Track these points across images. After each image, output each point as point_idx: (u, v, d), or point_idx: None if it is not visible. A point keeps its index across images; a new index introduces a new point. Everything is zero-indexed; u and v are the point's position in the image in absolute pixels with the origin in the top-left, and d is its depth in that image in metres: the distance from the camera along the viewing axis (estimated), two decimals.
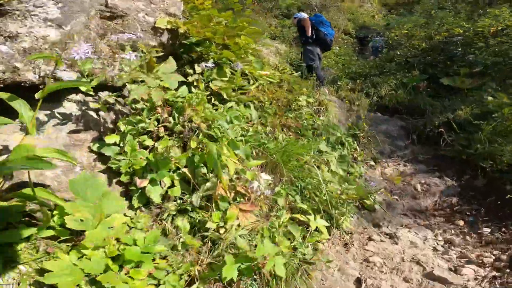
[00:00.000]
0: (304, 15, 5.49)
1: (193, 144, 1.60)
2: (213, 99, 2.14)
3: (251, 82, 2.66)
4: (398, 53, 6.85)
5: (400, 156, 4.00)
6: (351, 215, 2.37)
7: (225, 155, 1.52)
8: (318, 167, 2.37)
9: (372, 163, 3.78)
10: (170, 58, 1.78)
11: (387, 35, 7.90)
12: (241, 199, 1.63)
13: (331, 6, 17.73)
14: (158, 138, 1.64)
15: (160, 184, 1.53)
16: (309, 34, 5.43)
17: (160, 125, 1.67)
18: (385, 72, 6.00)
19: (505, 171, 3.01)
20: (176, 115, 1.72)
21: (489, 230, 2.61)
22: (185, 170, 1.57)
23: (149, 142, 1.60)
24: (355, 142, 3.59)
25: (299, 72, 4.41)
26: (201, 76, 2.14)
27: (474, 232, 2.62)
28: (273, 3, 21.90)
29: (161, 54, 1.79)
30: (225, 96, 2.18)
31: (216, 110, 2.01)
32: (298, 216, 1.86)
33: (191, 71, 2.14)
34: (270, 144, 2.14)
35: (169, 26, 2.01)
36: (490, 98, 3.94)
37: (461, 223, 2.80)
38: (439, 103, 4.71)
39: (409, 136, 4.32)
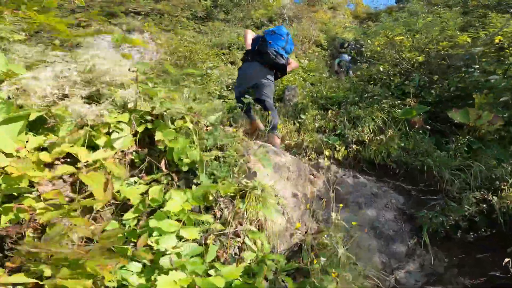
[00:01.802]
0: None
1: None
2: None
3: None
4: (381, 69, 4.98)
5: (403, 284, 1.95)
6: None
7: None
8: None
9: None
10: None
11: (366, 44, 6.03)
12: None
13: (304, 17, 16.28)
14: None
15: None
16: (248, 47, 3.42)
17: None
18: (366, 97, 4.04)
19: None
20: None
21: None
22: None
23: None
24: None
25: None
26: None
27: None
28: (244, 12, 20.33)
29: None
30: None
31: None
32: None
33: None
34: None
35: None
36: None
37: None
38: (457, 159, 2.77)
39: (414, 231, 2.32)
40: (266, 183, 2.06)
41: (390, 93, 4.11)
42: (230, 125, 4.27)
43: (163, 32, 17.67)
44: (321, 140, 3.26)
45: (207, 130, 2.09)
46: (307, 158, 3.17)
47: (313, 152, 3.19)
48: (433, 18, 5.52)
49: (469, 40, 3.92)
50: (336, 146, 3.17)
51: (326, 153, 3.17)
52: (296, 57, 10.47)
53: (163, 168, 1.64)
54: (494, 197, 2.30)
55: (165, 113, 1.64)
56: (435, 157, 2.80)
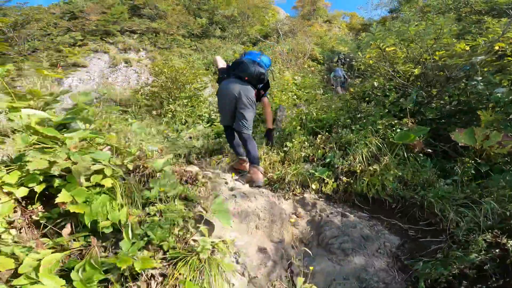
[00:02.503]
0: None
1: None
2: None
3: None
4: (375, 84, 4.64)
5: None
6: None
7: None
8: None
9: None
10: None
11: (356, 58, 5.70)
12: None
13: (299, 31, 16.21)
14: None
15: None
16: (219, 66, 3.21)
17: None
18: (359, 118, 3.69)
19: None
20: None
21: None
22: None
23: None
24: None
25: None
26: None
27: None
28: (240, 29, 20.44)
29: None
30: None
31: None
32: None
33: None
34: None
35: None
36: None
37: None
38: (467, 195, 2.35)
39: (409, 282, 1.90)
40: (226, 237, 1.70)
41: (386, 110, 3.75)
42: (211, 156, 3.96)
43: (159, 50, 17.72)
44: (307, 171, 2.89)
45: (152, 178, 1.75)
46: (291, 193, 2.80)
47: (298, 187, 2.81)
48: (426, 26, 5.22)
49: (467, 48, 3.57)
50: (325, 178, 2.80)
51: (313, 186, 2.79)
52: (287, 72, 10.22)
53: (68, 231, 1.30)
54: (509, 241, 1.88)
55: (72, 167, 1.31)
56: (438, 190, 2.40)
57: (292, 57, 11.92)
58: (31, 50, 15.83)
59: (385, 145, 3.02)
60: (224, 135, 3.64)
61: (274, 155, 3.19)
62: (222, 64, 3.29)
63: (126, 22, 18.71)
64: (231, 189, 2.45)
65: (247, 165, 3.07)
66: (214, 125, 6.19)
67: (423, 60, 3.90)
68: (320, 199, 2.78)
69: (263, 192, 2.58)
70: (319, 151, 3.11)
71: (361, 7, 44.95)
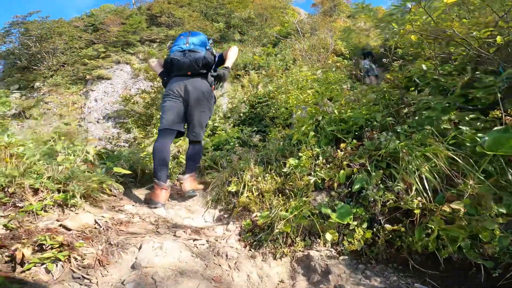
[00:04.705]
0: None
1: None
2: None
3: None
4: (424, 67, 3.21)
5: None
6: None
7: None
8: None
9: None
10: None
11: (390, 37, 4.25)
12: None
13: (321, 27, 14.89)
14: None
15: None
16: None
17: None
18: (406, 115, 2.35)
19: None
20: None
21: None
22: None
23: None
24: None
25: None
26: None
27: None
28: (259, 31, 19.56)
29: None
30: None
31: None
32: None
33: None
34: None
35: None
36: None
37: None
38: None
39: None
40: None
41: (447, 104, 2.37)
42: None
43: None
44: (319, 208, 1.62)
45: None
46: (286, 248, 1.54)
47: (300, 237, 1.55)
48: None
49: None
50: (349, 223, 1.51)
51: (328, 236, 1.52)
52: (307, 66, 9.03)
53: None
54: None
55: None
56: None
57: (313, 53, 10.63)
58: (59, 64, 16.05)
59: (462, 157, 1.67)
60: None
61: (267, 179, 1.95)
62: (159, 68, 2.76)
63: (145, 31, 18.60)
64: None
65: (164, 191, 2.33)
66: (216, 133, 5.09)
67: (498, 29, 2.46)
68: (340, 259, 1.51)
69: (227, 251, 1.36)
70: (342, 171, 1.82)
71: None
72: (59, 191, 1.81)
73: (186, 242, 1.43)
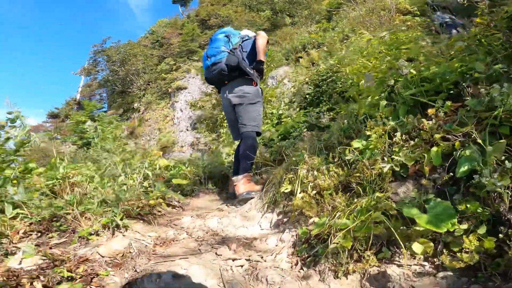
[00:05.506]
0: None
1: None
2: None
3: None
4: None
5: None
6: None
7: None
8: None
9: None
10: None
11: None
12: None
13: None
14: None
15: None
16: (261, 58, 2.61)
17: None
18: None
19: None
20: None
21: None
22: None
23: None
24: None
25: None
26: None
27: None
28: (308, 11, 18.44)
29: None
30: None
31: None
32: None
33: None
34: None
35: None
36: None
37: None
38: None
39: None
40: None
41: None
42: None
43: None
44: (399, 207, 1.11)
45: None
46: (351, 264, 1.08)
47: (368, 252, 1.08)
48: None
49: None
50: (449, 228, 0.98)
51: (417, 248, 1.01)
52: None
53: None
54: None
55: None
56: None
57: (373, 17, 9.33)
58: (146, 83, 17.95)
59: None
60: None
61: (326, 173, 1.49)
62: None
63: (200, 37, 19.36)
64: None
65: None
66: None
67: None
68: (438, 278, 0.99)
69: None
70: (434, 148, 1.24)
71: None
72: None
73: (223, 263, 1.14)
